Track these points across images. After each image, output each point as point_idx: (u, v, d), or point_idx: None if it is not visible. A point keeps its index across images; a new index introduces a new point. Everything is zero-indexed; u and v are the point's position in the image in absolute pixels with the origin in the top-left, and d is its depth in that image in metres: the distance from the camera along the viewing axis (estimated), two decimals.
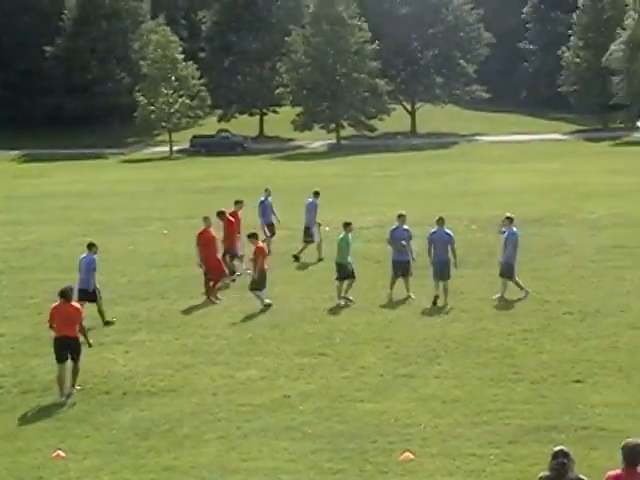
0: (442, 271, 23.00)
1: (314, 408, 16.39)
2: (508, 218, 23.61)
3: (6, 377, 18.89)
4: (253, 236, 23.79)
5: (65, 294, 17.65)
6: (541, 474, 10.05)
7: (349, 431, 15.29)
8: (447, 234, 23.36)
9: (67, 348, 17.58)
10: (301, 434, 15.33)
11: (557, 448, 10.10)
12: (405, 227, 24.09)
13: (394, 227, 24.17)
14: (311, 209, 29.66)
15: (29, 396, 17.84)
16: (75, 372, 17.76)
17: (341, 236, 24.07)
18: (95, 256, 22.31)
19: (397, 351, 19.26)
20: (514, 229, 23.64)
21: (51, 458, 14.87)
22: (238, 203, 28.27)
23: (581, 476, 9.88)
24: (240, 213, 28.13)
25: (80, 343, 17.80)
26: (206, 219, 25.04)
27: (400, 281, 23.73)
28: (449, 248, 23.21)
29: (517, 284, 23.21)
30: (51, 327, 17.80)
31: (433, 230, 23.59)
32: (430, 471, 13.76)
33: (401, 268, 23.65)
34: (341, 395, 16.96)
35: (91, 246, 22.50)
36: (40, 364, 19.46)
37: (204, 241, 24.52)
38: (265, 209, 30.17)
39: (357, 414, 16.03)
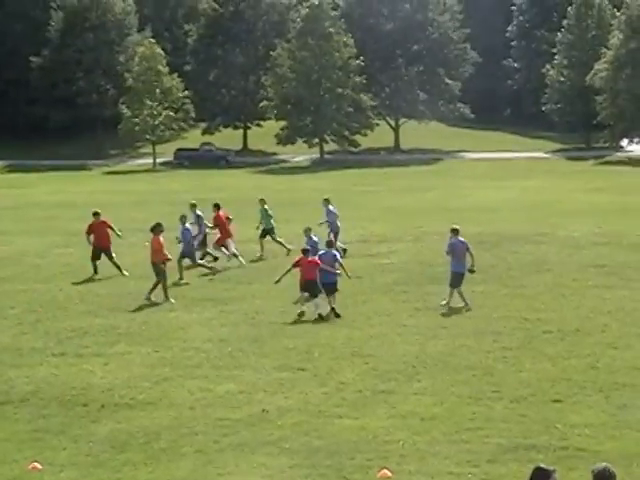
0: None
1: (292, 423, 16.34)
2: (453, 230, 24.33)
3: None
4: None
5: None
6: None
7: (327, 447, 15.23)
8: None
9: None
10: (278, 449, 15.27)
11: (538, 465, 10.01)
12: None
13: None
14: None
15: (6, 407, 17.75)
16: None
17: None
18: None
19: (376, 367, 19.22)
20: (460, 239, 24.19)
21: (27, 470, 14.78)
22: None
23: None
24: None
25: None
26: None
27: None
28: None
29: (461, 294, 23.62)
30: None
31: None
32: None
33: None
34: (319, 410, 16.91)
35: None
36: (19, 375, 19.39)
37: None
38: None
39: (335, 430, 15.98)
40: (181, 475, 14.51)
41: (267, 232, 32.46)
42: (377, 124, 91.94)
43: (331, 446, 15.26)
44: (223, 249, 30.18)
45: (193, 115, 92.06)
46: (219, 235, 30.68)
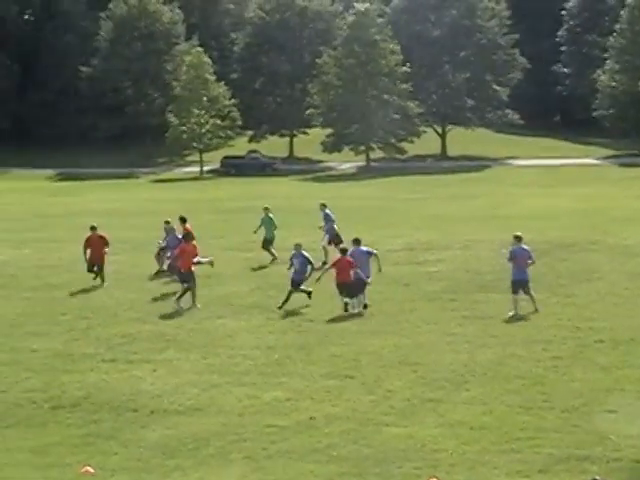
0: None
1: (340, 431, 16.34)
2: (516, 237, 24.36)
3: (37, 392, 19.00)
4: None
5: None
6: None
7: (375, 455, 15.22)
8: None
9: None
10: (327, 457, 15.28)
11: (597, 477, 9.91)
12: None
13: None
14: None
15: (59, 412, 17.93)
16: None
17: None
18: None
19: (424, 375, 19.15)
20: (523, 246, 24.20)
21: (80, 474, 14.94)
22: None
23: None
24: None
25: None
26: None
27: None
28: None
29: (515, 301, 23.63)
30: None
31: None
32: None
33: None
34: (367, 418, 16.90)
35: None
36: (71, 380, 19.59)
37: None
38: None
39: (383, 438, 15.96)
40: None
41: (267, 241, 32.41)
42: (424, 131, 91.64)
43: (379, 454, 15.24)
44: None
45: (240, 123, 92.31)
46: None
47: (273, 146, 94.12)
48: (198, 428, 16.74)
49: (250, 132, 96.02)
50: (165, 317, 24.51)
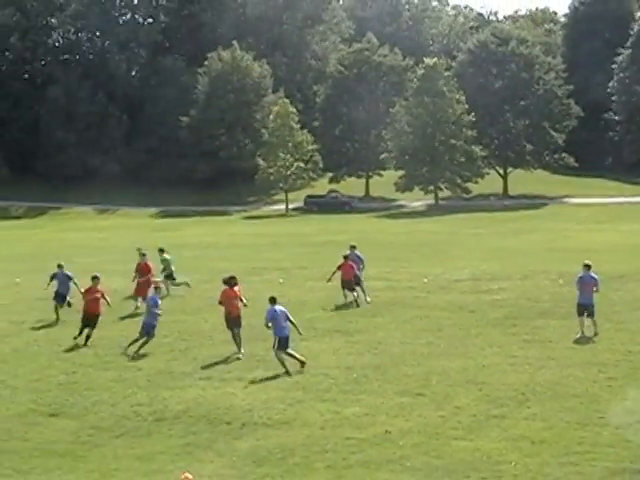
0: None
1: (412, 444, 16.23)
2: (585, 265, 24.18)
3: (143, 406, 19.19)
4: None
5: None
6: None
7: (445, 466, 15.09)
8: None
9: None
10: (401, 467, 15.18)
11: None
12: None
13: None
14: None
15: (162, 424, 18.08)
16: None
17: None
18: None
19: (489, 394, 18.97)
20: (592, 274, 23.94)
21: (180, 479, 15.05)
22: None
23: None
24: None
25: None
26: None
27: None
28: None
29: (581, 324, 23.39)
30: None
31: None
32: None
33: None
34: (437, 432, 16.77)
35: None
36: (172, 395, 19.74)
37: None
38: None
39: (452, 450, 15.82)
40: None
41: (168, 276, 32.59)
42: (487, 173, 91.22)
43: (449, 465, 15.11)
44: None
45: (321, 166, 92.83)
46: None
47: (351, 186, 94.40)
48: (285, 440, 16.76)
49: (330, 174, 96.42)
50: (254, 340, 24.57)
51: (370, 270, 34.17)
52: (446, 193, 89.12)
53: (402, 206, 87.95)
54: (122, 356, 23.37)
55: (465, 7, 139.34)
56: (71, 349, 24.43)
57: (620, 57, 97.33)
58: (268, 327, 21.75)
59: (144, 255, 31.53)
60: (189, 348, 24.06)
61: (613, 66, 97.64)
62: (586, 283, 23.80)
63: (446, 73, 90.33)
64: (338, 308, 28.87)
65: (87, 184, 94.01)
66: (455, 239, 53.09)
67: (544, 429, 16.67)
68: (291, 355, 21.54)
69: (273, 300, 22.00)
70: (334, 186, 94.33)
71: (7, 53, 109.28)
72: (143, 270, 30.81)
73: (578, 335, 23.26)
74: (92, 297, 25.24)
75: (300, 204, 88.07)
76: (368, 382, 20.20)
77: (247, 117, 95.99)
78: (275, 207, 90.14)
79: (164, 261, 33.00)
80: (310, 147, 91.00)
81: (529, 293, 30.18)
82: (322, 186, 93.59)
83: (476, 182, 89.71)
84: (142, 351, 23.69)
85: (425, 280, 32.61)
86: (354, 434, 16.83)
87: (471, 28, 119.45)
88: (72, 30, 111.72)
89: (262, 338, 24.64)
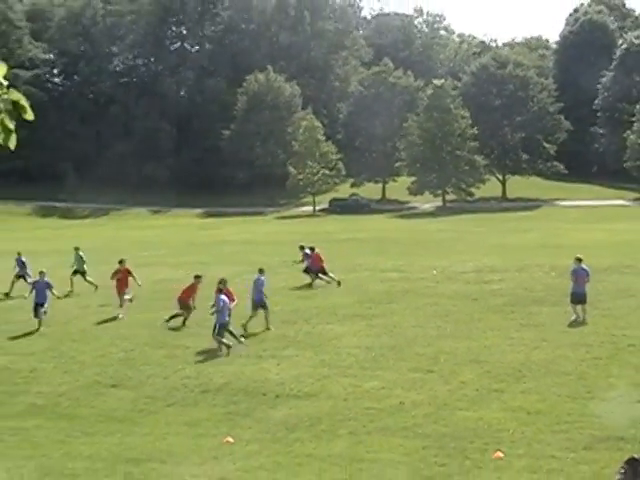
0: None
1: (424, 413, 16.22)
2: (577, 259, 24.01)
3: (190, 379, 19.28)
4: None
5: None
6: (617, 477, 9.60)
7: (452, 433, 15.07)
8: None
9: None
10: (413, 434, 15.18)
11: (635, 455, 9.64)
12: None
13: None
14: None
15: (207, 394, 18.14)
16: None
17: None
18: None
19: (490, 370, 18.90)
20: (583, 266, 23.74)
21: (223, 443, 15.10)
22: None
23: None
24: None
25: None
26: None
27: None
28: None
29: (574, 309, 23.22)
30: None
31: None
32: (517, 468, 13.45)
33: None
34: (445, 404, 16.74)
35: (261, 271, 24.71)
36: (215, 371, 19.80)
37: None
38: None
39: (458, 419, 15.79)
40: (338, 451, 14.55)
41: (78, 272, 31.60)
42: (488, 179, 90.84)
43: (455, 432, 15.09)
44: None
45: (344, 172, 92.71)
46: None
47: (369, 190, 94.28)
48: (313, 409, 16.78)
49: (351, 179, 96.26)
50: (287, 323, 24.66)
51: (386, 263, 34.19)
52: (452, 196, 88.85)
53: (414, 208, 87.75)
54: (172, 336, 23.46)
55: (469, 35, 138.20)
56: (129, 330, 24.55)
57: (604, 79, 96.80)
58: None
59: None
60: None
61: (598, 86, 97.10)
62: (579, 275, 23.60)
63: (452, 92, 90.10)
64: (359, 296, 28.70)
65: (142, 188, 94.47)
66: (460, 236, 52.90)
67: (538, 401, 16.61)
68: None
69: (261, 270, 24.25)
70: (355, 190, 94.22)
71: (76, 77, 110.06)
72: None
73: (573, 318, 23.11)
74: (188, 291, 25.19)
75: (325, 206, 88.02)
76: (385, 360, 20.22)
77: (279, 131, 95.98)
78: (304, 208, 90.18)
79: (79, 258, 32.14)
80: (334, 156, 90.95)
81: (525, 283, 30.05)
82: (344, 190, 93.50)
83: (478, 187, 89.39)
84: (191, 331, 23.83)
85: (434, 272, 32.53)
86: (373, 405, 16.85)
87: (474, 53, 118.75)
88: (130, 57, 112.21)
89: (292, 321, 24.77)
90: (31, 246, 38.95)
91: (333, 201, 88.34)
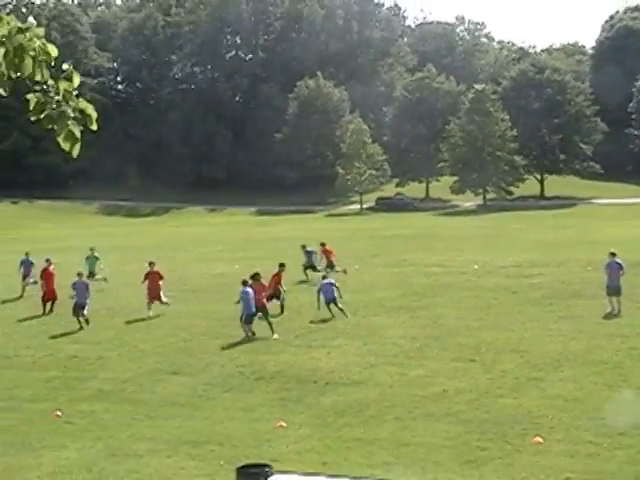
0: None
1: (466, 400, 16.15)
2: (611, 253, 23.65)
3: (245, 367, 19.42)
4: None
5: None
6: None
7: (493, 419, 14.99)
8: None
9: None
10: (456, 419, 15.13)
11: None
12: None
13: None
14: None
15: (261, 382, 18.27)
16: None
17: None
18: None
19: (529, 360, 18.74)
20: (617, 260, 23.35)
21: (276, 427, 15.19)
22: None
23: None
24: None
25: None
26: None
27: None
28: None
29: (611, 302, 22.81)
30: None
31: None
32: (556, 453, 13.34)
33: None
34: (486, 392, 16.65)
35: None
36: (269, 359, 19.91)
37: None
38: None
39: (499, 406, 15.70)
40: (384, 435, 14.55)
41: (91, 273, 29.86)
42: (527, 178, 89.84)
43: (496, 418, 15.01)
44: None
45: (389, 173, 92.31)
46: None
47: (413, 190, 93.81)
48: (360, 396, 16.80)
49: (396, 179, 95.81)
50: (336, 315, 24.67)
51: (430, 258, 34.04)
52: (492, 195, 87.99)
53: (456, 206, 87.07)
54: (228, 327, 23.58)
55: (508, 42, 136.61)
56: (187, 321, 24.77)
57: (639, 82, 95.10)
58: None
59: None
60: (281, 321, 24.08)
61: (633, 89, 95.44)
62: (613, 268, 23.28)
63: (492, 96, 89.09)
64: (403, 290, 28.53)
65: (200, 188, 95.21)
66: (500, 233, 52.39)
67: (575, 389, 16.45)
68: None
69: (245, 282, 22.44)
70: (400, 189, 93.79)
71: (138, 84, 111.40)
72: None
73: (608, 310, 22.79)
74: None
75: (372, 204, 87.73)
76: (429, 350, 20.16)
77: (328, 133, 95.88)
78: (351, 207, 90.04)
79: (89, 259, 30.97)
80: (380, 158, 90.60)
81: (562, 277, 29.69)
82: (390, 189, 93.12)
83: (517, 186, 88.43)
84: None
85: (475, 267, 32.29)
86: (417, 392, 16.83)
87: (513, 59, 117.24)
88: (188, 65, 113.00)
89: (338, 313, 24.75)
90: (99, 242, 39.43)
91: (379, 200, 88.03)
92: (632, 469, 11.44)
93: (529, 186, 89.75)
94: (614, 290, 23.04)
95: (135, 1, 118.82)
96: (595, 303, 23.81)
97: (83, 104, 4.23)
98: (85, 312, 24.14)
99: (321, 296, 23.85)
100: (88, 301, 24.39)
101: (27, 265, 30.55)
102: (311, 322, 23.56)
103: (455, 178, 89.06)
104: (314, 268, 31.14)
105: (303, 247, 32.73)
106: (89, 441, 15.13)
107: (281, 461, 12.48)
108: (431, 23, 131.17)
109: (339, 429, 14.96)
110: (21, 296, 29.84)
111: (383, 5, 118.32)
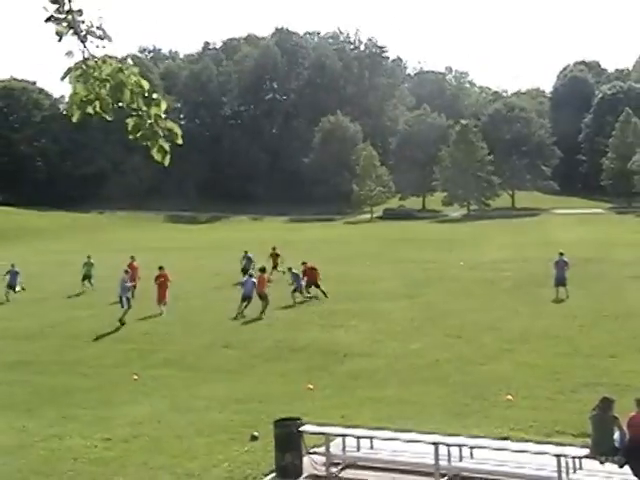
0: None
1: (453, 367, 16.21)
2: (560, 253, 23.97)
3: (282, 342, 19.43)
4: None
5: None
6: (592, 412, 9.60)
7: (473, 381, 15.04)
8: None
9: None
10: (445, 382, 15.19)
11: (604, 395, 9.63)
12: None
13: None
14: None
15: (294, 353, 18.30)
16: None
17: None
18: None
19: (503, 335, 18.74)
20: (564, 258, 23.57)
21: (305, 389, 15.28)
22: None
23: (615, 414, 9.40)
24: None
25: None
26: None
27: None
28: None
29: (557, 292, 22.72)
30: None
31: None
32: (522, 407, 13.38)
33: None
34: (469, 360, 16.70)
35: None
36: (299, 336, 19.83)
37: None
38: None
39: (478, 372, 15.76)
40: (389, 395, 14.61)
41: (86, 277, 28.26)
42: (501, 193, 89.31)
43: (476, 381, 15.06)
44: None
45: (394, 189, 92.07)
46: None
47: (413, 202, 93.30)
48: (371, 365, 16.87)
49: (399, 194, 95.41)
50: (350, 300, 24.70)
51: (426, 256, 33.92)
52: (474, 207, 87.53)
53: (446, 215, 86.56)
54: (268, 310, 23.38)
55: (486, 87, 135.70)
56: (235, 305, 24.69)
57: (585, 119, 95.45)
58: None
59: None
60: (311, 305, 24.20)
61: (581, 124, 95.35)
62: (560, 265, 23.35)
63: (474, 129, 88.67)
64: (404, 280, 28.33)
65: (245, 201, 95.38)
66: (480, 236, 52.18)
67: (538, 358, 16.48)
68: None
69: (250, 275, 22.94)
70: (402, 202, 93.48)
71: (196, 120, 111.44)
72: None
73: (555, 297, 22.80)
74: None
75: (380, 214, 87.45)
76: (424, 328, 20.18)
77: (346, 159, 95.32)
78: (364, 216, 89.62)
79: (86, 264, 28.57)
80: (386, 177, 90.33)
81: (528, 271, 29.56)
82: (394, 202, 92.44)
83: (494, 200, 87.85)
84: (282, 305, 23.87)
85: (461, 263, 32.21)
86: (415, 361, 16.89)
87: (490, 101, 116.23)
88: (236, 104, 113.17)
89: (355, 300, 24.79)
90: (164, 244, 39.69)
91: (386, 210, 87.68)
92: (581, 417, 11.49)
93: (503, 200, 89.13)
94: (561, 282, 23.00)
95: (194, 55, 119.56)
96: (553, 291, 23.72)
97: (170, 124, 4.26)
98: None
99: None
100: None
101: (13, 275, 27.50)
102: (334, 307, 23.53)
103: (445, 193, 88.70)
104: (246, 272, 26.50)
105: (245, 253, 29.65)
106: (158, 399, 15.30)
107: (309, 415, 12.61)
108: (426, 72, 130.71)
109: (354, 390, 15.05)
110: (7, 301, 27.02)
111: (388, 58, 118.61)
